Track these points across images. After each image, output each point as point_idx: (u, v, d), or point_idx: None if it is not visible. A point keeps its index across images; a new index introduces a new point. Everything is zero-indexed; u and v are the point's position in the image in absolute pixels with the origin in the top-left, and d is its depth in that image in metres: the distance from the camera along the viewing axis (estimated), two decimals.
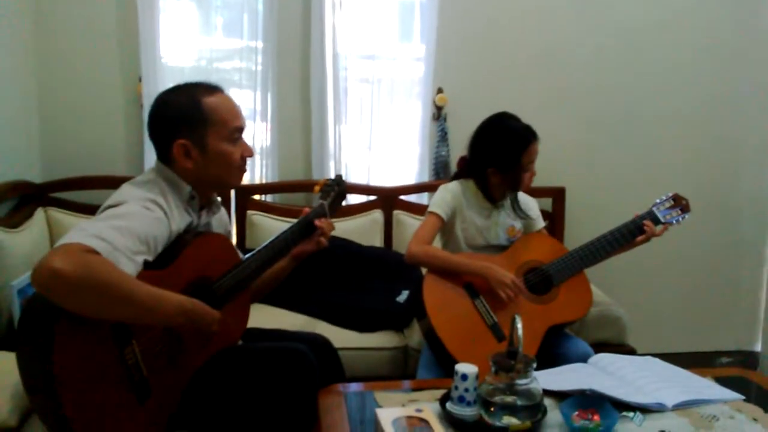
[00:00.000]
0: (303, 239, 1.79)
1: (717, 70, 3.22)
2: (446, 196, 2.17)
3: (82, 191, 2.81)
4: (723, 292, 3.39)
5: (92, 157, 2.87)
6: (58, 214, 2.72)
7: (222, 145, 1.60)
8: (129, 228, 1.37)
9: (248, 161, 1.71)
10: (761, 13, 3.20)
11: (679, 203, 2.19)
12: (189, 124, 1.57)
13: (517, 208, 2.21)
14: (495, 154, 2.12)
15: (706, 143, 3.28)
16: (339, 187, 1.94)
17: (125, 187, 1.54)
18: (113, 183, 2.64)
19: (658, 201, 2.19)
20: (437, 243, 2.21)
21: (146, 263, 1.40)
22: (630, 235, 2.11)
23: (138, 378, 1.40)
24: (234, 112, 1.63)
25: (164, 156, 1.61)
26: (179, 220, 1.56)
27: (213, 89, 1.62)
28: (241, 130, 1.65)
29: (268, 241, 1.73)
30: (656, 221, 2.14)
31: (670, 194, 2.20)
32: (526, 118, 2.16)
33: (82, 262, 1.23)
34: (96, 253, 1.27)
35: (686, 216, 2.18)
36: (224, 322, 1.54)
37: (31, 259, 2.30)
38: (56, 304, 1.24)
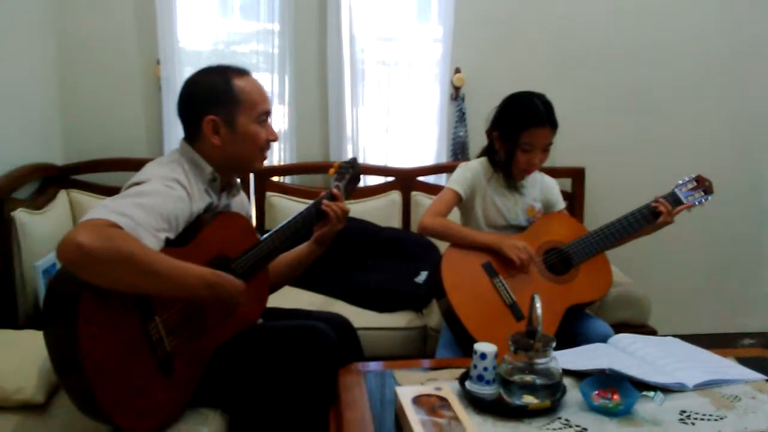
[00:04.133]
0: (319, 220, 1.80)
1: (741, 48, 3.16)
2: (466, 174, 2.16)
3: (103, 173, 2.85)
4: (745, 274, 3.36)
5: (112, 140, 2.90)
6: (81, 196, 2.75)
7: (250, 125, 1.63)
8: (152, 206, 1.39)
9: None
10: None
11: (702, 184, 2.16)
12: (220, 102, 1.60)
13: (511, 183, 2.17)
14: (502, 119, 2.11)
15: (729, 123, 3.23)
16: (354, 170, 1.94)
17: (149, 166, 1.57)
18: (133, 165, 2.69)
19: (680, 182, 2.17)
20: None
21: (167, 241, 1.42)
22: (651, 216, 2.09)
23: (162, 353, 1.43)
24: (263, 95, 1.67)
25: (192, 133, 1.64)
26: (199, 200, 1.58)
27: (243, 72, 1.66)
28: (268, 113, 1.68)
29: (284, 222, 1.74)
30: (678, 202, 2.12)
31: (693, 175, 2.17)
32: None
33: (106, 236, 1.25)
34: (119, 228, 1.29)
35: (709, 197, 2.15)
36: (244, 300, 1.55)
37: (54, 241, 2.32)
38: (81, 277, 1.27)
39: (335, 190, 1.82)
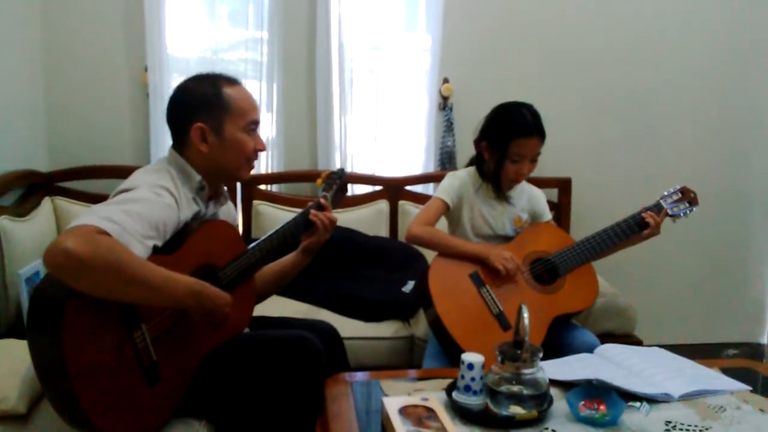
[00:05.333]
0: (307, 230, 1.79)
1: (728, 61, 3.21)
2: (454, 183, 2.17)
3: (88, 180, 2.82)
4: (730, 284, 3.39)
5: (99, 147, 2.88)
6: (65, 204, 2.72)
7: (237, 133, 1.63)
8: (139, 212, 1.38)
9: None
10: None
11: (687, 196, 2.17)
12: (208, 110, 1.60)
13: (500, 194, 2.18)
14: (491, 129, 2.12)
15: (715, 135, 3.27)
16: (341, 180, 1.94)
17: (137, 174, 1.57)
18: (120, 172, 2.67)
19: (665, 193, 2.18)
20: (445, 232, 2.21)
21: (154, 248, 1.41)
22: (637, 227, 2.10)
23: (147, 362, 1.41)
24: (252, 104, 1.67)
25: (179, 140, 1.64)
26: (187, 208, 1.57)
27: (233, 81, 1.67)
28: (256, 123, 1.68)
29: (272, 231, 1.74)
30: None
31: (678, 187, 2.19)
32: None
33: (94, 242, 1.25)
34: (107, 234, 1.28)
35: (694, 209, 2.17)
36: (231, 309, 1.54)
37: (38, 249, 2.31)
38: (67, 283, 1.25)
39: (323, 200, 1.82)
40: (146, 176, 1.54)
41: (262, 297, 1.89)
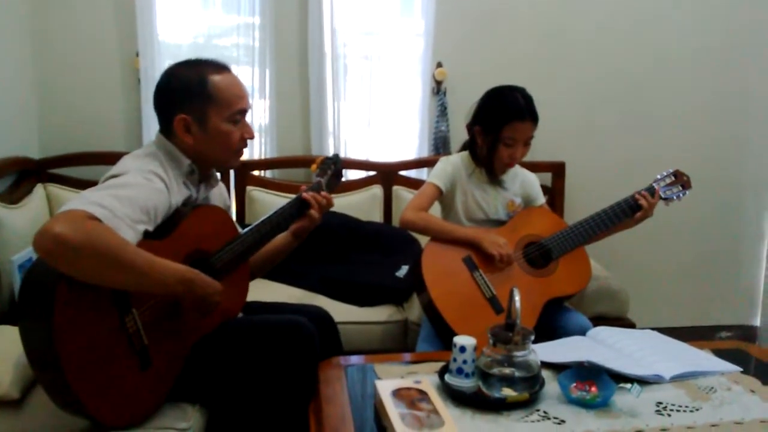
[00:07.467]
0: (300, 214, 1.79)
1: (722, 47, 3.20)
2: (446, 168, 2.17)
3: (80, 167, 2.81)
4: (723, 267, 3.40)
5: (91, 133, 2.86)
6: (57, 190, 2.72)
7: (222, 124, 1.61)
8: (129, 197, 1.38)
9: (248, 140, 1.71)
10: None
11: (680, 179, 2.18)
12: (192, 100, 1.58)
13: (493, 178, 2.19)
14: (484, 114, 2.12)
15: (709, 120, 3.26)
16: (336, 166, 1.94)
17: (126, 159, 1.56)
18: (112, 158, 2.61)
19: (658, 177, 2.18)
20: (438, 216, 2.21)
21: (146, 233, 1.41)
22: (630, 210, 2.11)
23: (139, 346, 1.42)
24: (239, 92, 1.64)
25: (166, 128, 1.62)
26: (178, 193, 1.57)
27: (221, 68, 1.63)
28: (244, 112, 1.65)
29: (265, 216, 1.74)
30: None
31: (671, 170, 2.19)
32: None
33: (84, 227, 1.25)
34: (97, 219, 1.28)
35: (687, 192, 2.17)
36: (224, 294, 1.54)
37: (30, 235, 2.24)
38: (57, 268, 1.25)
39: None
40: (135, 161, 1.53)
41: (254, 275, 1.88)
